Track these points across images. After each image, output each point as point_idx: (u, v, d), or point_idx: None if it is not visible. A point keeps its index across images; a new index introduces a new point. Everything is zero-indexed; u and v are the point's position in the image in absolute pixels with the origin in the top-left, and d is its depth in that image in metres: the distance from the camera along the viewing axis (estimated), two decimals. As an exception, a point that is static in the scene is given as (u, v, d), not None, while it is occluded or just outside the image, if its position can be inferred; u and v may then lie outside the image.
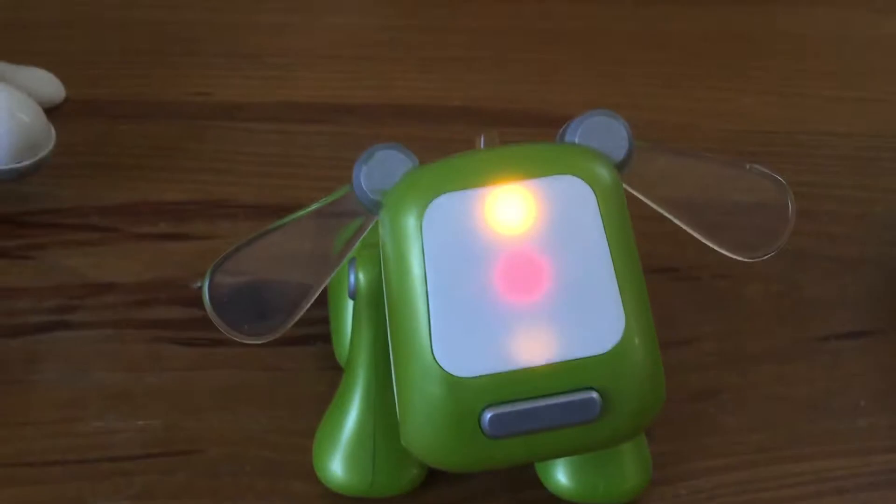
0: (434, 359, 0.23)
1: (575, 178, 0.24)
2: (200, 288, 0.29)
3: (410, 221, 0.23)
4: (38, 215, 0.34)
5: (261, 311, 0.24)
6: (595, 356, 0.23)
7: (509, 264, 0.23)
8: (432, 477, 0.27)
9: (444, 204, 0.23)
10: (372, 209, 0.24)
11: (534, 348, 0.23)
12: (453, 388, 0.23)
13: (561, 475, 0.27)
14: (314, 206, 0.25)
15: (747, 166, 0.26)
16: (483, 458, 0.24)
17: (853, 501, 0.28)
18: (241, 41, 0.43)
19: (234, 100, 0.40)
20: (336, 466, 0.26)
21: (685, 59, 0.45)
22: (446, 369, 0.23)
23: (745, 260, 0.26)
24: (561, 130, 0.25)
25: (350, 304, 0.27)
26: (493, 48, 0.44)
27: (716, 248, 0.26)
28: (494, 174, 0.23)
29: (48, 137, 0.34)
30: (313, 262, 0.24)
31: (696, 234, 0.25)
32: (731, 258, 0.26)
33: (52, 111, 0.38)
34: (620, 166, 0.25)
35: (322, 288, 0.24)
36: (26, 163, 0.33)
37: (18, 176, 0.33)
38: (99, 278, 0.32)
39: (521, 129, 0.40)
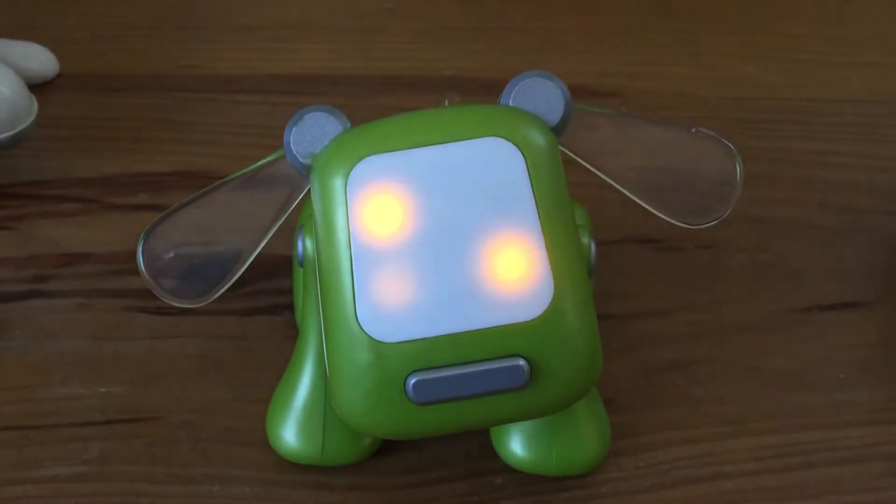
0: (359, 324, 0.23)
1: (502, 140, 0.23)
2: (171, 255, 0.30)
3: (337, 183, 0.23)
4: (20, 187, 0.35)
5: (194, 275, 0.24)
6: (522, 323, 0.23)
7: (434, 228, 0.23)
8: (386, 447, 0.27)
9: (369, 166, 0.23)
10: (303, 172, 0.24)
11: (459, 314, 0.23)
12: (378, 354, 0.23)
13: (515, 445, 0.26)
14: (246, 170, 0.25)
15: (693, 130, 0.25)
16: (410, 424, 0.23)
17: (822, 476, 0.27)
18: (234, 14, 0.43)
19: (223, 72, 0.40)
20: (288, 435, 0.26)
21: (686, 26, 0.44)
22: (371, 335, 0.23)
23: (691, 227, 0.25)
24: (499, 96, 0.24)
25: (302, 273, 0.27)
26: (490, 18, 0.44)
27: (660, 215, 0.25)
28: (421, 136, 0.23)
29: (29, 110, 0.34)
30: (246, 228, 0.24)
31: (640, 202, 0.25)
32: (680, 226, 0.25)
33: (46, 85, 0.39)
34: (557, 129, 0.24)
35: (256, 253, 0.24)
36: (6, 134, 0.33)
37: None
38: (75, 248, 0.33)
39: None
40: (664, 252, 0.34)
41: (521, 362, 0.23)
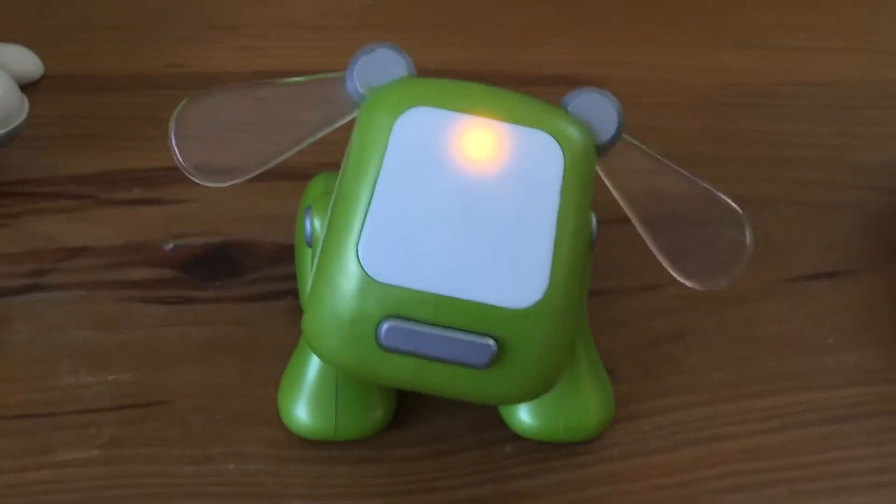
0: (356, 254, 0.23)
1: (551, 138, 0.24)
2: (172, 247, 0.30)
3: (384, 120, 0.23)
4: (12, 185, 0.35)
5: (221, 157, 0.25)
6: (506, 308, 0.23)
7: (459, 192, 0.23)
8: (397, 418, 0.28)
9: (419, 116, 0.23)
10: (355, 99, 0.24)
11: (452, 279, 0.23)
12: (363, 288, 0.23)
13: (523, 414, 0.27)
14: (300, 79, 0.25)
15: (716, 194, 0.26)
16: (371, 366, 0.24)
17: (817, 435, 0.28)
18: (216, 14, 0.43)
19: (209, 71, 0.41)
20: (300, 412, 0.27)
21: (662, 17, 0.45)
22: (364, 267, 0.23)
23: (698, 288, 0.26)
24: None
25: (310, 254, 0.28)
26: (469, 12, 0.44)
27: (671, 270, 0.26)
28: (477, 105, 0.24)
29: (21, 108, 0.34)
30: (285, 129, 0.25)
31: (651, 247, 0.26)
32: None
33: (31, 87, 0.39)
34: (601, 148, 0.25)
35: (288, 154, 0.25)
36: (-1, 132, 0.34)
37: (-8, 146, 0.34)
38: (73, 243, 0.33)
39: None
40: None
41: (491, 342, 0.23)
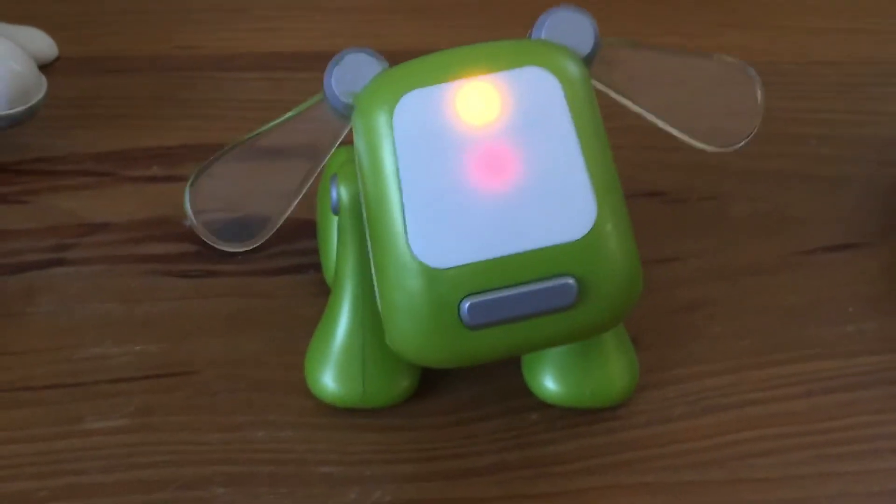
0: (411, 252, 0.23)
1: (541, 70, 0.24)
2: (191, 224, 0.30)
3: (381, 119, 0.24)
4: (33, 163, 0.35)
5: (241, 222, 0.25)
6: (569, 243, 0.23)
7: (479, 155, 0.24)
8: (423, 387, 0.28)
9: (413, 100, 0.24)
10: (344, 112, 0.24)
11: (508, 237, 0.23)
12: (431, 280, 0.23)
13: (549, 381, 0.27)
14: (287, 116, 0.25)
15: (714, 57, 0.26)
16: (466, 350, 0.24)
17: (841, 400, 0.28)
18: (229, -5, 0.44)
19: (222, 52, 0.41)
20: (328, 379, 0.27)
21: (670, -3, 0.45)
22: (423, 261, 0.23)
23: (719, 150, 0.26)
24: (529, 31, 0.25)
25: (335, 222, 0.28)
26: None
27: (688, 141, 0.26)
28: (461, 69, 0.24)
29: (39, 85, 0.35)
30: (287, 173, 0.25)
31: (667, 128, 0.26)
32: (707, 149, 0.26)
33: (45, 68, 0.39)
34: (587, 60, 0.25)
35: (300, 196, 0.25)
36: (19, 109, 0.34)
37: (12, 123, 0.34)
38: (93, 219, 0.33)
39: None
40: (670, 204, 0.35)
41: (570, 281, 0.23)
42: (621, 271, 0.24)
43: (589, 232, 0.24)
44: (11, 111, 0.34)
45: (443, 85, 0.24)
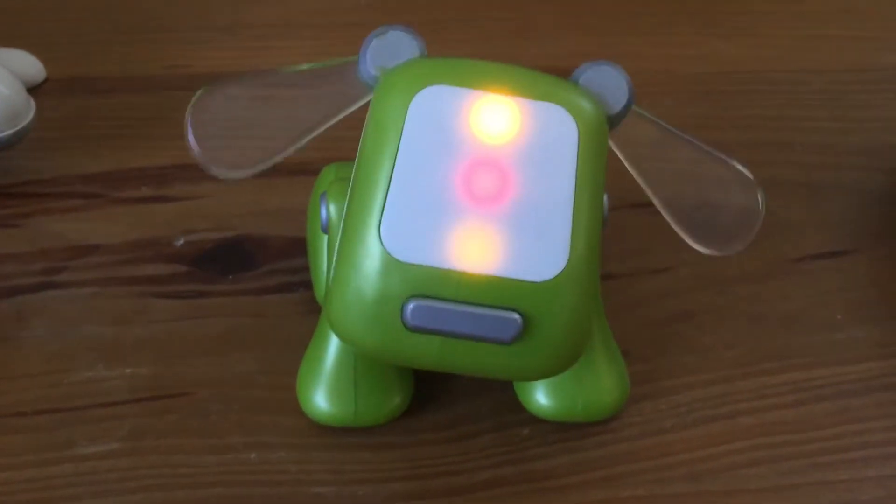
0: (378, 235, 0.23)
1: (564, 111, 0.24)
2: (183, 243, 0.30)
3: (399, 101, 0.24)
4: (21, 186, 0.35)
5: (237, 148, 0.25)
6: (530, 281, 0.23)
7: (476, 168, 0.24)
8: (415, 404, 0.28)
9: (434, 94, 0.24)
10: (369, 82, 0.24)
11: (475, 255, 0.23)
12: (387, 268, 0.23)
13: (540, 395, 0.27)
14: (311, 66, 0.25)
15: (730, 163, 0.26)
16: (396, 347, 0.24)
17: (831, 409, 0.29)
18: (213, 15, 0.44)
19: (211, 71, 0.41)
20: (320, 399, 0.27)
21: (658, 8, 0.45)
22: (387, 248, 0.23)
23: (714, 254, 0.26)
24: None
25: (326, 240, 0.28)
26: (465, 9, 0.45)
27: (684, 236, 0.26)
28: (491, 82, 0.24)
29: (28, 108, 0.35)
30: (295, 120, 0.25)
31: (667, 217, 0.26)
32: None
33: (33, 90, 0.39)
34: (612, 119, 0.25)
35: (304, 141, 0.25)
36: (7, 133, 0.34)
37: (0, 147, 0.34)
38: (84, 241, 0.33)
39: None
40: (659, 214, 0.35)
41: (516, 317, 0.23)
42: (571, 324, 0.24)
43: (553, 278, 0.24)
44: (0, 135, 0.34)
45: (467, 90, 0.24)
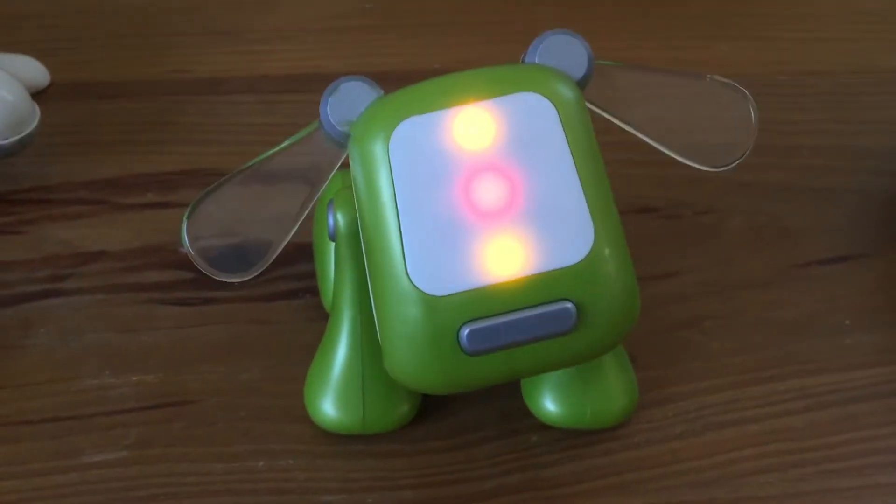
0: (409, 280, 0.23)
1: (536, 95, 0.24)
2: (189, 255, 0.30)
3: (378, 147, 0.24)
4: (26, 193, 0.35)
5: (238, 250, 0.25)
6: (567, 267, 0.23)
7: (476, 181, 0.24)
8: (423, 412, 0.28)
9: (410, 128, 0.24)
10: (340, 141, 0.24)
11: (506, 262, 0.23)
12: (430, 308, 0.23)
13: (548, 402, 0.27)
14: (282, 145, 0.25)
15: (707, 77, 0.26)
16: (465, 377, 0.24)
17: (840, 414, 0.28)
18: (215, 21, 0.43)
19: (214, 75, 0.41)
20: (327, 406, 0.27)
21: (660, 10, 0.45)
22: (422, 289, 0.23)
23: (714, 169, 0.26)
24: (523, 54, 0.25)
25: (333, 248, 0.28)
26: (467, 12, 0.45)
27: (684, 160, 0.26)
28: (456, 96, 0.24)
29: (32, 115, 0.35)
30: (285, 201, 0.25)
31: (663, 149, 0.26)
32: (703, 170, 0.26)
33: (38, 95, 0.39)
34: (581, 83, 0.25)
35: (297, 225, 0.25)
36: (12, 140, 0.34)
37: (5, 154, 0.34)
38: (89, 248, 0.33)
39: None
40: (665, 220, 0.35)
41: (569, 305, 0.23)
42: (619, 294, 0.24)
43: (587, 256, 0.24)
44: (4, 142, 0.34)
45: (438, 112, 0.24)
